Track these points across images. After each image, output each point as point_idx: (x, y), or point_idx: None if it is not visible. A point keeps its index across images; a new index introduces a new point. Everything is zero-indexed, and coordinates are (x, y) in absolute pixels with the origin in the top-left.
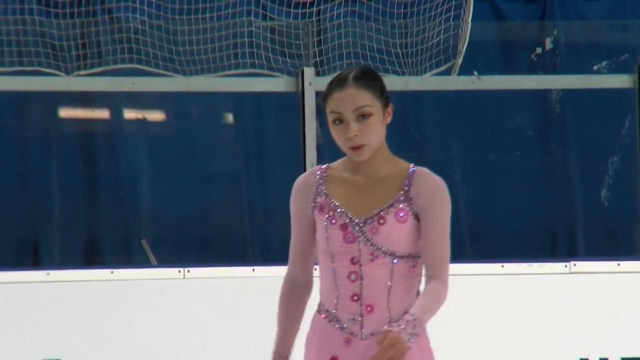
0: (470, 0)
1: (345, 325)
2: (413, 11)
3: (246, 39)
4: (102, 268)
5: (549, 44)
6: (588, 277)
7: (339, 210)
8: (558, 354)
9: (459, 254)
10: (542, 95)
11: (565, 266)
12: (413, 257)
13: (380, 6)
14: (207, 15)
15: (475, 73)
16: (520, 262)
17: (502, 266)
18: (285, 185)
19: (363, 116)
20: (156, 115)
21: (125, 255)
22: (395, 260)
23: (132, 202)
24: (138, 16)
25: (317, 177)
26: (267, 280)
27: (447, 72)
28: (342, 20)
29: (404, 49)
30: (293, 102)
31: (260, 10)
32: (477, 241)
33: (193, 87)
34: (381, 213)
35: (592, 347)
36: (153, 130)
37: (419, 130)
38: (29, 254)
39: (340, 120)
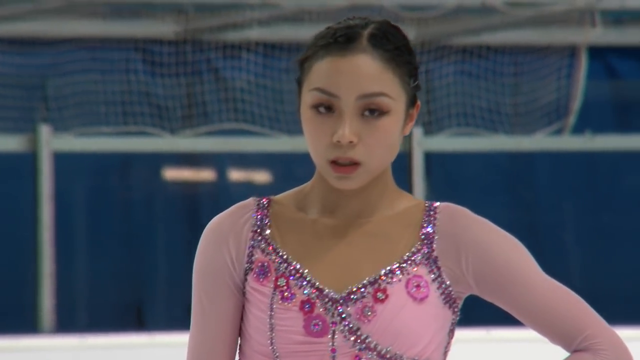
0: (582, 58)
1: None
2: (524, 70)
3: None
4: None
5: None
6: None
7: (298, 275)
8: None
9: None
10: None
11: None
12: None
13: (490, 65)
14: None
15: (587, 132)
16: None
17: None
18: None
19: (373, 111)
20: (262, 176)
21: None
22: None
23: None
24: (244, 75)
25: (254, 215)
26: None
27: (559, 132)
28: (451, 79)
29: (514, 108)
30: (399, 163)
31: None
32: (592, 306)
33: (299, 147)
34: (379, 283)
35: None
36: (259, 191)
37: (529, 191)
38: (133, 317)
39: (328, 108)
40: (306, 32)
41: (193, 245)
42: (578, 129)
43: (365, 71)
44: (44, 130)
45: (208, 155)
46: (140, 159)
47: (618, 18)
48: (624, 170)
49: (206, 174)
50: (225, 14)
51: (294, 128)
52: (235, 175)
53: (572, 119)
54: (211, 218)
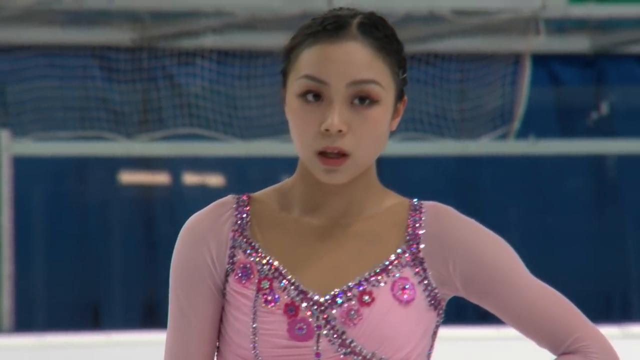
0: (526, 65)
1: None
2: (470, 77)
3: None
4: (162, 330)
5: (605, 109)
6: None
7: (281, 277)
8: None
9: None
10: (599, 159)
11: (620, 329)
12: None
13: (437, 72)
14: (266, 80)
15: (531, 137)
16: None
17: None
18: None
19: (363, 100)
20: (216, 180)
21: None
22: None
23: None
24: (198, 82)
25: (234, 215)
26: None
27: (504, 137)
28: None
29: (460, 114)
30: None
31: None
32: None
33: (252, 151)
34: (364, 284)
35: None
36: (213, 195)
37: (475, 194)
38: (90, 317)
39: (316, 96)
40: (259, 40)
41: (149, 247)
42: (522, 134)
43: (356, 58)
44: (3, 135)
45: (163, 159)
46: (97, 163)
47: (561, 26)
48: (567, 173)
49: (161, 178)
50: (180, 22)
51: (247, 133)
52: (190, 178)
53: (516, 124)
54: (166, 220)
